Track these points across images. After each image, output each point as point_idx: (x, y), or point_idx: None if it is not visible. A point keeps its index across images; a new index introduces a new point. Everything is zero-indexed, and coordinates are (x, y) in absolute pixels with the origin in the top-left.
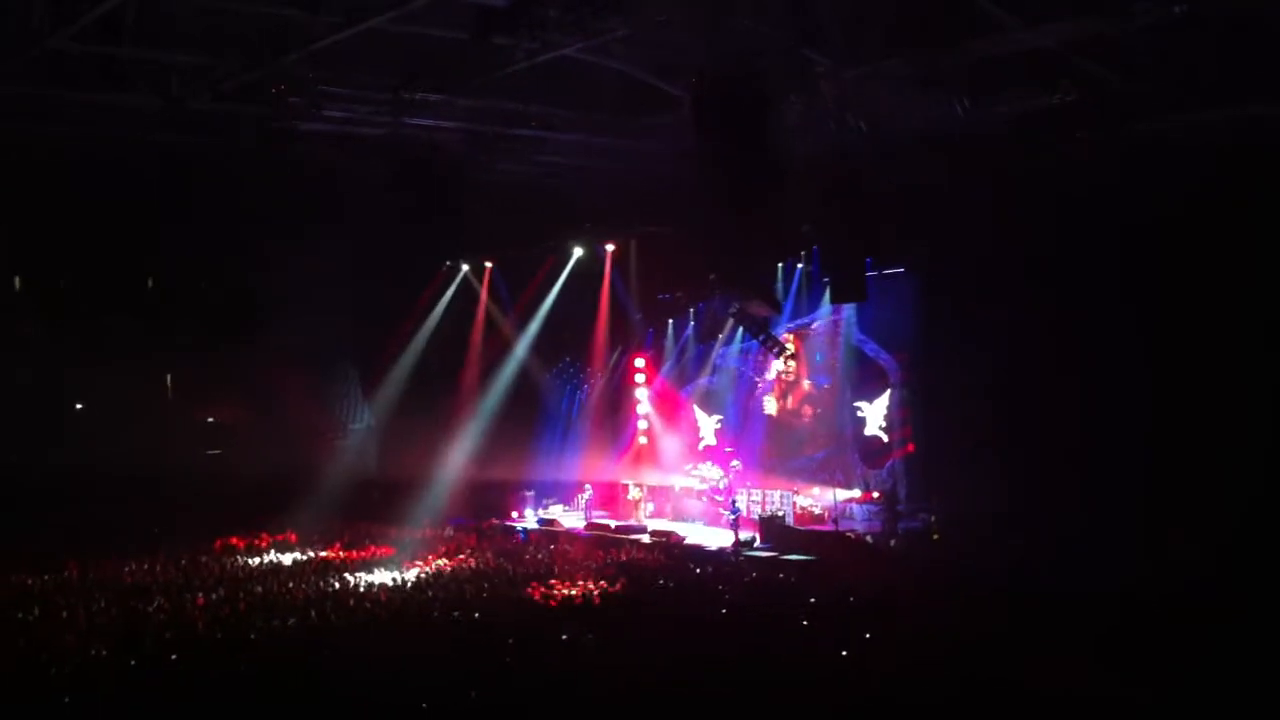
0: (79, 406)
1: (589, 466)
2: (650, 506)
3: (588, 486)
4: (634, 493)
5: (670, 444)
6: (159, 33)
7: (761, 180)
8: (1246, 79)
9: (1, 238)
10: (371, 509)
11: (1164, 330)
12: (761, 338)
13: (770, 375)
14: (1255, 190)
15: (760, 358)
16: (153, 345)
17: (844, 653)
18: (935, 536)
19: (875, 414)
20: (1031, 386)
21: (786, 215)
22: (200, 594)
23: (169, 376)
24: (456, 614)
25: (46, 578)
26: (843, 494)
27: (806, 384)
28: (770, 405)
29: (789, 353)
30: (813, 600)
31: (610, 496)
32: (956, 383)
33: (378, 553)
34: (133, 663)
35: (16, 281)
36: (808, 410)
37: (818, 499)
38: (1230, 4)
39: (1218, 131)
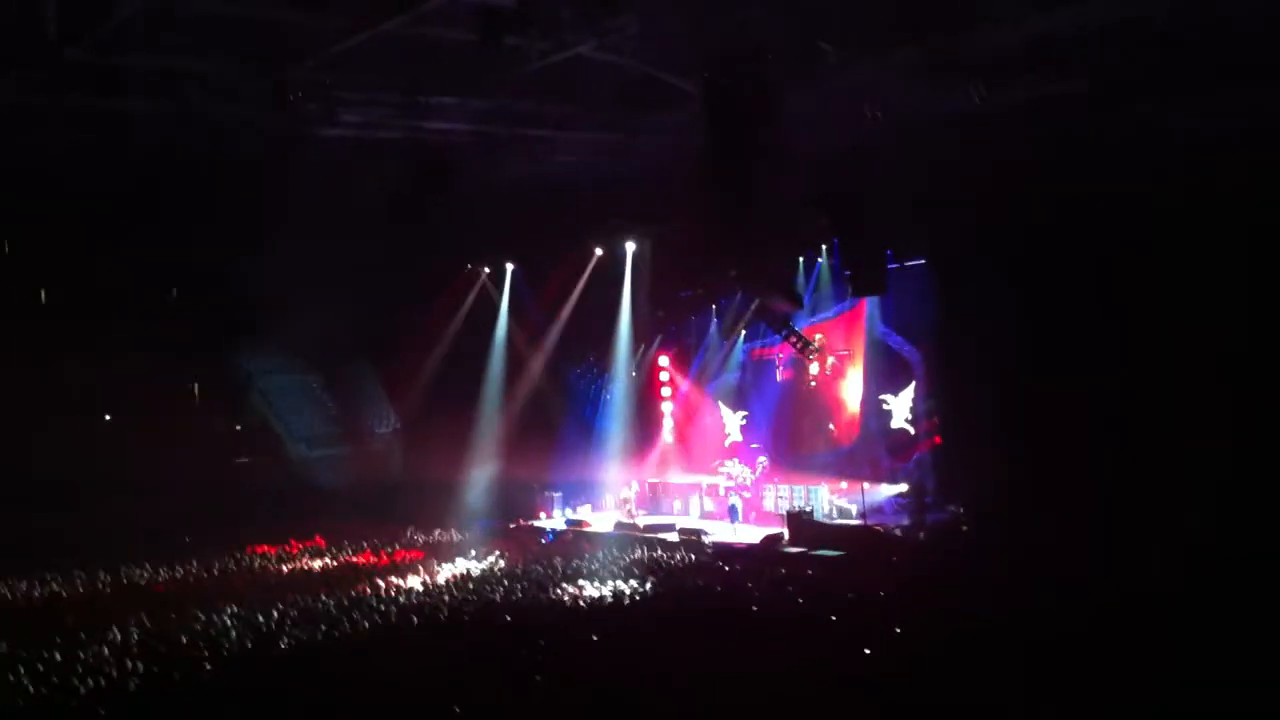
0: (108, 418)
1: (615, 465)
2: (678, 504)
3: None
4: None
5: (697, 441)
6: (172, 40)
7: (772, 170)
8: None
9: (24, 251)
10: (399, 512)
11: (1178, 321)
12: (784, 333)
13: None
14: (1252, 177)
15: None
16: (179, 354)
17: (867, 650)
18: (964, 528)
19: (901, 407)
20: (1052, 375)
21: (802, 208)
22: (232, 603)
23: (196, 385)
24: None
25: (80, 588)
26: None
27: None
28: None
29: (814, 348)
30: (843, 596)
31: (642, 495)
32: (979, 373)
33: (406, 556)
34: (165, 675)
35: (43, 294)
36: (832, 405)
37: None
38: None
39: (1223, 118)
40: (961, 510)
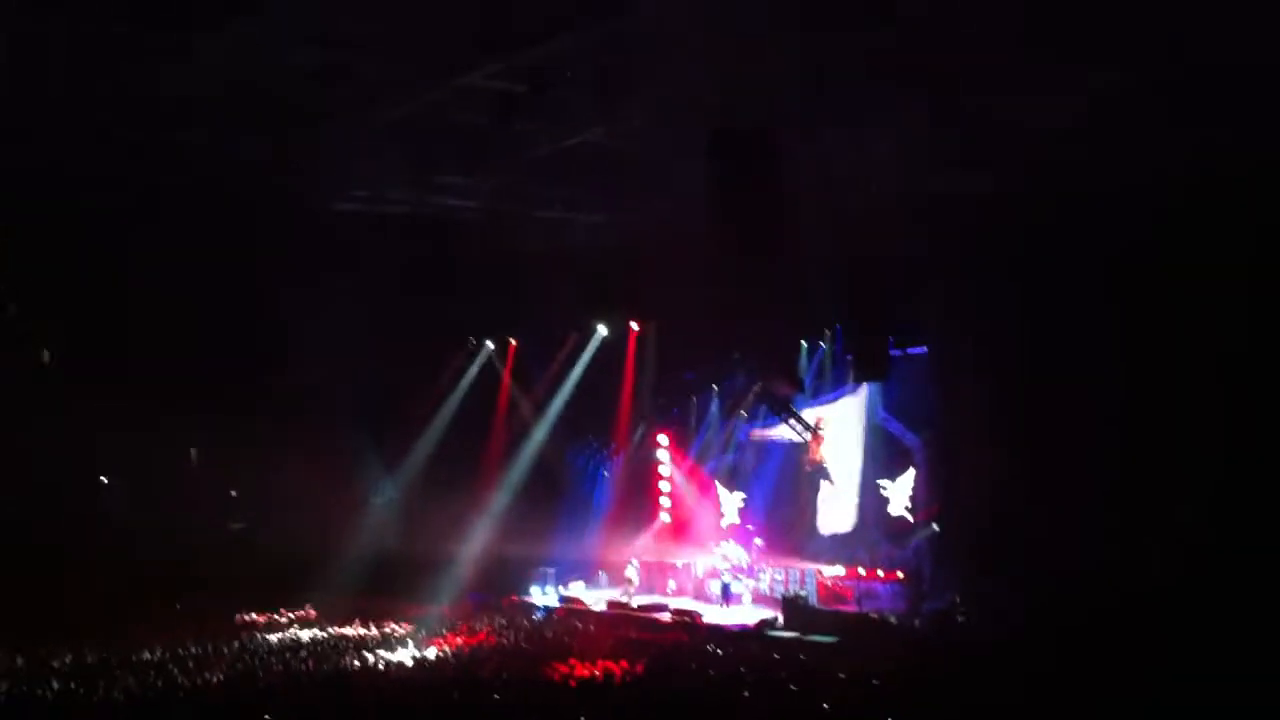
0: (104, 480)
1: (612, 544)
2: (673, 584)
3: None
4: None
5: (693, 522)
6: (185, 109)
7: (777, 238)
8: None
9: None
10: (392, 584)
11: (1192, 404)
12: (784, 416)
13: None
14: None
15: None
16: (178, 418)
17: None
18: (960, 618)
19: (899, 493)
20: (1055, 463)
21: (807, 285)
22: (219, 673)
23: (193, 450)
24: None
25: (69, 658)
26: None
27: (829, 462)
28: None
29: (815, 432)
30: (835, 680)
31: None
32: (979, 462)
33: (397, 629)
34: None
35: (45, 355)
36: (831, 488)
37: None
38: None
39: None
40: (958, 598)
